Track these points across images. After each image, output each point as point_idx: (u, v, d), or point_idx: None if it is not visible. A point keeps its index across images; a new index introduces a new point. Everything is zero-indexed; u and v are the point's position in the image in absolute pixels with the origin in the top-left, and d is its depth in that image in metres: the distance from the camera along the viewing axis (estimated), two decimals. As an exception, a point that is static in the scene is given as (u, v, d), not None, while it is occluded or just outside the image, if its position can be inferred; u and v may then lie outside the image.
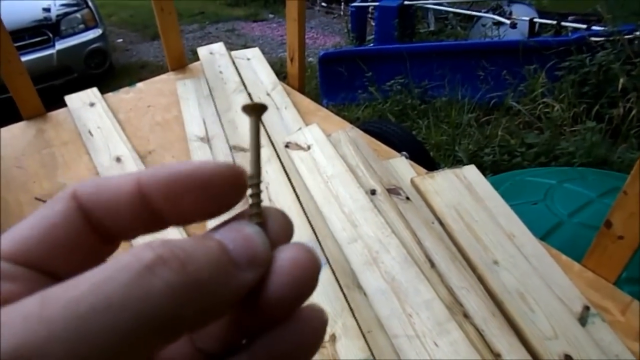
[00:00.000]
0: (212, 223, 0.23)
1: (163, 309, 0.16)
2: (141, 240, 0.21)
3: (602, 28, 2.61)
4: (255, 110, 0.25)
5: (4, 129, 1.69)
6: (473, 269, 1.01)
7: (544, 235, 1.40)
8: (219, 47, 2.02)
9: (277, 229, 0.24)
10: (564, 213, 1.48)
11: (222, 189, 0.21)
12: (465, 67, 2.71)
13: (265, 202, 1.09)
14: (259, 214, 0.23)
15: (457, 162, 1.87)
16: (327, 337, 0.89)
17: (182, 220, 0.22)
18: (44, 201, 1.34)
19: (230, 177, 0.22)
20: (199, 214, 0.22)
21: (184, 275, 0.17)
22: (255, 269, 0.20)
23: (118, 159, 1.45)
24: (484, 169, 1.27)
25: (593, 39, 2.51)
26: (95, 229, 0.21)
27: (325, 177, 1.24)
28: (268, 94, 1.71)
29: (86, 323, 0.15)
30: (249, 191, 0.24)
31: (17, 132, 1.68)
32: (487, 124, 2.31)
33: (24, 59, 1.69)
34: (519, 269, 1.01)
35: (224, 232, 0.21)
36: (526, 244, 1.08)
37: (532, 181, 1.56)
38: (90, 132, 1.60)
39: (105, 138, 1.57)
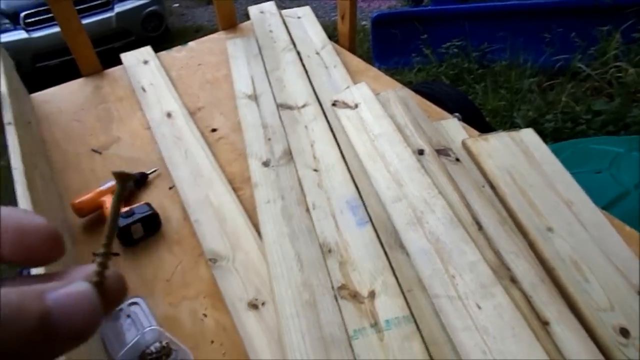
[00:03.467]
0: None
1: None
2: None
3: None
4: (122, 179, 0.26)
5: (64, 85, 1.76)
6: (524, 234, 0.96)
7: (607, 205, 1.30)
8: (269, 5, 1.99)
9: (113, 293, 0.25)
10: (631, 183, 1.36)
11: (40, 246, 0.24)
12: (529, 28, 2.52)
13: (309, 161, 1.09)
14: (100, 275, 0.25)
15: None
16: (366, 294, 0.88)
17: (9, 261, 0.24)
18: (100, 153, 1.40)
19: (48, 238, 0.24)
20: (22, 260, 0.24)
21: None
22: (74, 341, 0.22)
23: (169, 115, 1.48)
24: (544, 136, 1.18)
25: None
26: None
27: (371, 136, 1.20)
28: (317, 53, 1.67)
29: None
30: (100, 250, 0.26)
31: (75, 88, 1.75)
32: (551, 90, 2.15)
33: (85, 21, 1.75)
34: (574, 237, 0.94)
35: (59, 294, 0.23)
36: (585, 212, 1.00)
37: (597, 149, 1.45)
38: (143, 88, 1.64)
39: (157, 94, 1.60)
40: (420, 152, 1.13)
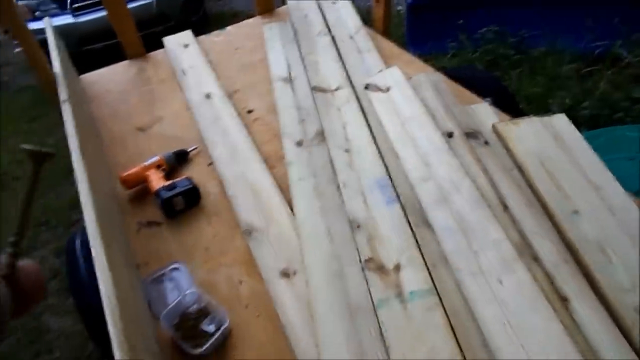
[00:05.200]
0: None
1: None
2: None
3: None
4: (37, 158, 0.22)
5: (110, 67, 1.86)
6: (550, 216, 0.98)
7: (638, 192, 1.29)
8: (305, -10, 2.02)
9: (27, 283, 0.27)
10: (665, 171, 1.34)
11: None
12: (569, 13, 2.44)
13: (341, 142, 1.13)
14: (10, 266, 0.24)
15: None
16: (392, 267, 0.93)
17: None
18: (144, 131, 1.49)
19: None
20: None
21: None
22: None
23: (208, 96, 1.55)
24: (579, 124, 1.18)
25: None
26: None
27: (402, 119, 1.24)
28: (351, 37, 1.70)
29: None
30: (11, 238, 0.25)
31: (121, 70, 1.85)
32: (589, 76, 2.11)
33: (127, 6, 1.83)
34: (601, 220, 0.96)
35: None
36: (613, 197, 1.01)
37: (632, 136, 1.43)
38: (184, 71, 1.71)
39: (197, 77, 1.67)
40: (450, 135, 1.16)
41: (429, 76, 1.38)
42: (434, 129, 1.17)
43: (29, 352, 1.63)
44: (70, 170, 2.80)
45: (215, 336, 0.88)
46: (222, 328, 0.89)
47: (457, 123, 1.20)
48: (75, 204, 2.36)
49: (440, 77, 1.40)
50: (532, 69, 2.27)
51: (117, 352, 0.67)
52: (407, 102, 1.27)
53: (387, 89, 1.35)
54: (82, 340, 1.61)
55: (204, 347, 0.86)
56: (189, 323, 0.93)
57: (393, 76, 1.38)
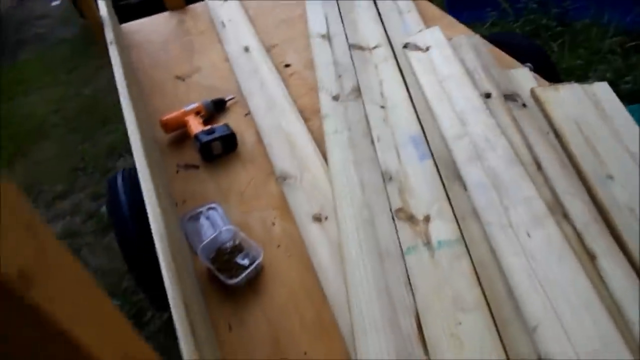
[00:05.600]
0: None
1: None
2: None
3: None
4: None
5: (151, 18, 1.89)
6: (583, 179, 0.98)
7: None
8: (347, -52, 1.99)
9: None
10: None
11: None
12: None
13: (377, 98, 1.15)
14: None
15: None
16: (421, 217, 0.96)
17: None
18: (183, 79, 1.52)
19: None
20: None
21: None
22: None
23: (246, 49, 1.57)
24: (620, 97, 1.16)
25: None
26: None
27: (440, 78, 1.24)
28: (392, -2, 1.68)
29: None
30: None
31: (161, 21, 1.88)
32: (634, 51, 2.04)
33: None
34: (634, 186, 0.95)
35: None
36: (650, 165, 1.00)
37: (675, 112, 1.39)
38: (223, 23, 1.73)
39: (235, 30, 1.69)
40: (487, 96, 1.16)
41: (469, 38, 1.36)
42: (472, 88, 1.17)
43: (67, 285, 1.73)
44: (105, 121, 2.90)
45: (249, 269, 0.93)
46: (255, 262, 0.94)
47: (495, 85, 1.19)
48: (111, 152, 2.46)
49: (480, 40, 1.38)
50: (574, 41, 2.20)
51: (168, 282, 0.72)
52: (446, 62, 1.27)
53: (427, 49, 1.35)
54: (117, 277, 1.71)
55: (239, 278, 0.91)
56: (224, 257, 0.98)
57: (433, 36, 1.38)
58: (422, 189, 1.01)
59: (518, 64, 1.37)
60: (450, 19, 1.64)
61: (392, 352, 0.77)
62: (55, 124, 2.87)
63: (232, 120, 1.33)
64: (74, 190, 2.24)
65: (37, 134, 2.80)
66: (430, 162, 1.07)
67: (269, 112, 1.32)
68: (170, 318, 1.57)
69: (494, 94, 1.16)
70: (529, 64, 1.36)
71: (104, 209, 2.03)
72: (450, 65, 1.26)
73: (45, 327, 0.28)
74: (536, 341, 0.73)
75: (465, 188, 0.98)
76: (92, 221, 2.01)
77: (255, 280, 0.95)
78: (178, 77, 1.54)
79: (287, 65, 1.52)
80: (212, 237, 1.00)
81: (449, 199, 0.98)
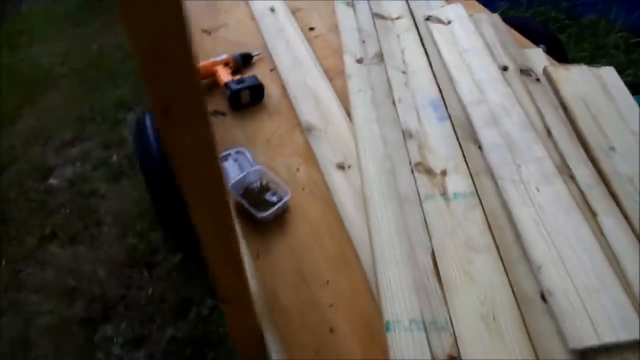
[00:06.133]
0: None
1: None
2: None
3: None
4: None
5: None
6: (587, 150, 1.07)
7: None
8: None
9: None
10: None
11: None
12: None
13: (398, 64, 1.21)
14: None
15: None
16: (438, 171, 1.04)
17: None
18: (210, 33, 1.57)
19: None
20: None
21: None
22: None
23: (272, 9, 1.62)
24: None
25: None
26: None
27: (460, 49, 1.31)
28: (414, -27, 1.73)
29: None
30: None
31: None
32: (637, 47, 2.13)
33: None
34: (634, 158, 1.04)
35: None
36: (648, 142, 1.09)
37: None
38: (249, -17, 1.77)
39: (261, -10, 1.73)
40: (504, 69, 1.24)
41: (489, 16, 1.44)
42: (491, 61, 1.24)
43: (78, 225, 1.79)
44: (114, 75, 2.90)
45: (278, 205, 1.00)
46: (284, 200, 1.01)
47: (512, 59, 1.27)
48: (120, 104, 2.48)
49: (499, 19, 1.45)
50: (580, 34, 2.29)
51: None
52: (467, 35, 1.34)
53: (449, 22, 1.41)
54: (131, 220, 1.76)
55: (268, 212, 0.98)
56: (253, 194, 1.05)
57: (455, 11, 1.44)
58: (440, 147, 1.09)
59: (532, 45, 1.45)
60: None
61: (410, 283, 0.85)
62: (63, 75, 2.87)
63: (258, 74, 1.38)
64: (83, 138, 2.27)
65: (44, 83, 2.80)
66: (448, 123, 1.14)
67: (294, 69, 1.37)
68: (182, 259, 1.65)
69: (511, 67, 1.24)
70: (542, 46, 1.44)
71: (114, 157, 2.07)
72: (471, 38, 1.33)
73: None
74: (540, 279, 0.81)
75: (480, 148, 1.06)
76: (102, 168, 2.05)
77: (282, 217, 1.02)
78: (204, 31, 1.58)
79: (312, 29, 1.57)
80: (241, 175, 1.06)
81: (464, 157, 1.06)
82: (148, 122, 1.30)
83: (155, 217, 1.40)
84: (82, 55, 3.10)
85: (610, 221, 0.90)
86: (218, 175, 0.41)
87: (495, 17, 1.46)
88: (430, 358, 0.76)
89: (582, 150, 1.06)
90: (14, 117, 2.50)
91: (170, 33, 0.31)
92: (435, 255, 0.89)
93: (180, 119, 0.34)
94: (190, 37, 0.33)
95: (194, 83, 0.34)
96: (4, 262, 1.70)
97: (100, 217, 1.80)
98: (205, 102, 0.40)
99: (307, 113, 1.23)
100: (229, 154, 1.16)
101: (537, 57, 1.36)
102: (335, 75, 1.36)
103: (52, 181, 2.03)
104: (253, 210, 0.99)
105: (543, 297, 0.81)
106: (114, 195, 1.89)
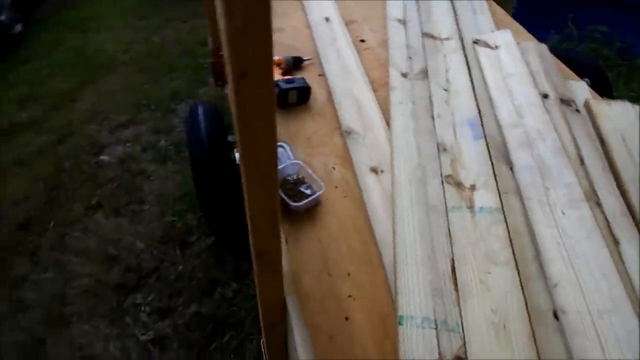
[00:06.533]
0: None
1: None
2: None
3: None
4: None
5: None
6: (619, 182, 1.08)
7: None
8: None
9: None
10: None
11: None
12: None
13: (442, 82, 1.27)
14: None
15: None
16: (468, 185, 1.08)
17: None
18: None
19: None
20: None
21: None
22: None
23: (327, 19, 1.71)
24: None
25: None
26: None
27: (504, 74, 1.35)
28: (468, -2, 1.79)
29: None
30: None
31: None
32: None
33: None
34: (666, 197, 1.05)
35: None
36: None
37: None
38: (308, -6, 1.87)
39: (319, 1, 1.83)
40: (545, 96, 1.27)
41: (537, 45, 1.47)
42: (532, 87, 1.28)
43: (122, 200, 1.91)
44: (171, 68, 3.08)
45: (311, 197, 1.06)
46: (317, 193, 1.07)
47: (553, 88, 1.30)
48: (174, 95, 2.63)
49: (546, 48, 1.48)
50: (630, 74, 2.28)
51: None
52: (512, 61, 1.38)
53: (496, 47, 1.46)
54: (172, 201, 1.87)
55: (301, 203, 1.05)
56: (288, 185, 1.12)
57: (504, 37, 1.48)
58: (472, 163, 1.13)
59: (577, 77, 1.47)
60: (518, 26, 1.74)
61: (427, 284, 0.90)
62: (124, 62, 3.07)
63: (307, 77, 1.46)
64: (136, 122, 2.42)
65: (106, 68, 3.00)
66: (482, 142, 1.18)
67: (342, 77, 1.45)
68: (213, 243, 1.74)
69: (551, 95, 1.27)
70: (586, 79, 1.45)
71: (163, 142, 2.20)
72: (516, 65, 1.37)
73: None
74: (554, 296, 0.84)
75: (511, 169, 1.10)
76: (151, 151, 2.18)
77: (313, 210, 1.08)
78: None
79: (363, 41, 1.65)
80: (280, 167, 1.14)
81: (495, 175, 1.10)
82: (200, 111, 1.40)
83: (196, 200, 1.50)
84: (144, 46, 3.30)
85: (632, 250, 0.92)
86: (273, 134, 0.49)
87: (543, 46, 1.49)
88: (437, 357, 0.80)
89: (613, 182, 1.07)
90: (75, 96, 2.69)
91: (257, 12, 0.39)
92: (455, 262, 0.93)
93: (252, 84, 0.42)
94: (271, 16, 0.41)
95: (269, 55, 0.42)
96: (52, 224, 1.84)
97: (144, 195, 1.92)
98: (272, 73, 0.49)
99: (349, 118, 1.30)
100: (271, 147, 1.23)
101: (580, 89, 1.38)
102: (380, 87, 1.43)
103: (104, 157, 2.18)
104: (287, 200, 1.06)
105: (555, 315, 0.83)
106: (158, 176, 2.01)
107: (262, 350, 0.98)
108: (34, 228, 1.85)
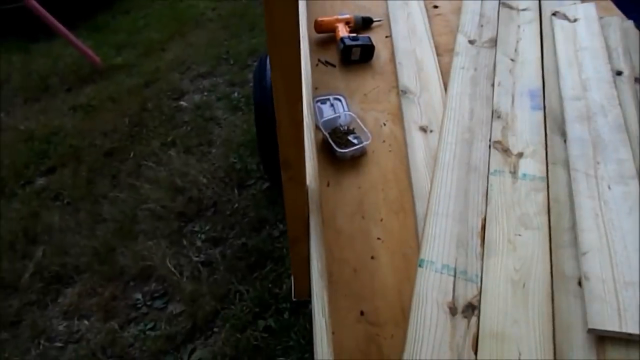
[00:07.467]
0: None
1: None
2: None
3: None
4: None
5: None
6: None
7: None
8: None
9: None
10: None
11: None
12: None
13: (509, 51, 1.25)
14: None
15: None
16: (515, 152, 1.07)
17: None
18: None
19: None
20: None
21: None
22: None
23: None
24: None
25: None
26: None
27: (577, 47, 1.29)
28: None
29: None
30: None
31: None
32: None
33: None
34: None
35: None
36: None
37: None
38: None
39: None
40: (619, 73, 1.20)
41: (622, 21, 1.38)
42: (605, 63, 1.22)
43: (194, 140, 2.09)
44: (253, 26, 3.19)
45: (357, 146, 1.12)
46: (364, 143, 1.12)
47: (630, 66, 1.23)
48: (252, 52, 2.75)
49: (632, 25, 1.39)
50: None
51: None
52: (588, 35, 1.31)
53: (574, 20, 1.39)
54: (235, 146, 2.02)
55: (347, 150, 1.11)
56: (338, 134, 1.18)
57: (585, 11, 1.41)
58: (525, 132, 1.12)
59: (663, 59, 1.37)
60: (608, 2, 1.63)
61: (454, 236, 0.93)
62: (211, 19, 3.24)
63: (373, 37, 1.49)
64: (215, 74, 2.58)
65: (195, 23, 3.19)
66: (540, 113, 1.16)
67: (407, 38, 1.46)
68: (268, 188, 1.85)
69: (626, 73, 1.20)
70: (674, 63, 1.35)
71: (236, 94, 2.34)
72: (592, 38, 1.30)
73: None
74: (582, 263, 0.84)
75: (565, 141, 1.07)
76: (224, 101, 2.33)
77: (358, 158, 1.14)
78: None
79: (436, 7, 1.63)
80: (334, 116, 1.20)
81: (546, 146, 1.08)
82: (267, 60, 1.49)
83: (257, 146, 1.60)
84: (232, 5, 3.45)
85: (677, 235, 0.88)
86: (298, 70, 0.56)
87: (629, 23, 1.39)
88: (450, 299, 0.84)
89: (675, 167, 1.02)
90: (164, 45, 2.90)
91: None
92: (486, 220, 0.95)
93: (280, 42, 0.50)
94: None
95: (295, 28, 0.50)
96: (132, 155, 2.06)
97: (213, 138, 2.07)
98: (297, 40, 0.59)
99: (407, 78, 1.32)
100: (328, 99, 1.30)
101: (663, 72, 1.29)
102: (444, 52, 1.43)
103: (182, 103, 2.36)
104: (335, 146, 1.12)
105: (579, 283, 0.83)
106: (228, 124, 2.16)
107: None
108: (117, 156, 2.08)
